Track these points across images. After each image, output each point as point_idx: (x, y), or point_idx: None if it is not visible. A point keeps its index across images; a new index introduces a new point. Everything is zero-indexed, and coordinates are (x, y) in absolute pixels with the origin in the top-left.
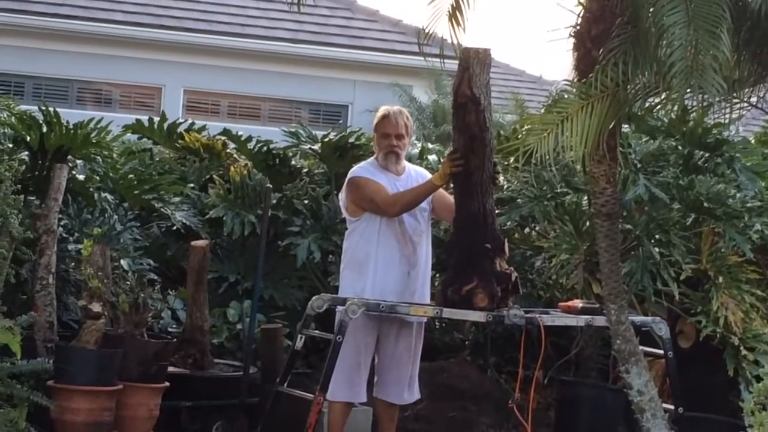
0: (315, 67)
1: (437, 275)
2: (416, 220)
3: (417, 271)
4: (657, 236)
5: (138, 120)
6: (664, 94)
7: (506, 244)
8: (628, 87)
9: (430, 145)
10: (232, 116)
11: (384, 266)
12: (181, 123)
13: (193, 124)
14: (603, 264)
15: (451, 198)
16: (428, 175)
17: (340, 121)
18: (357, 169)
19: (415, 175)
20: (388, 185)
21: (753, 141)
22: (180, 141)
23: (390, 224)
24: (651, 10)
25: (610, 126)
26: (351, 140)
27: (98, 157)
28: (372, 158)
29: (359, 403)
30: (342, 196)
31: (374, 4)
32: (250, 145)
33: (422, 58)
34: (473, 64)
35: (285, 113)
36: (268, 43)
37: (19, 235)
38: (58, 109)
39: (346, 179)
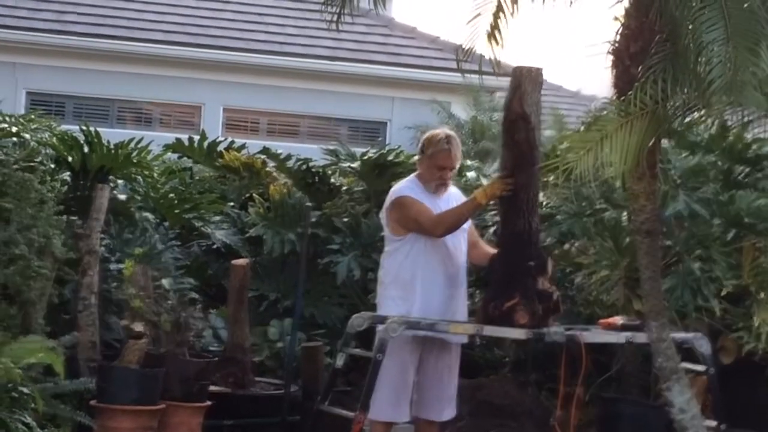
0: (353, 85)
1: (477, 291)
2: (459, 240)
3: (460, 292)
4: (698, 252)
5: (178, 139)
6: (703, 110)
7: (549, 263)
8: (668, 104)
9: (468, 162)
10: (272, 134)
11: (429, 287)
12: (220, 142)
13: (232, 142)
14: (644, 281)
15: (486, 246)
16: (462, 195)
17: (379, 138)
18: (401, 188)
19: (455, 193)
20: (431, 204)
21: None
22: (219, 160)
23: (435, 245)
24: (690, 27)
25: (650, 143)
26: (390, 158)
27: (139, 177)
28: (413, 176)
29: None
30: (384, 214)
31: (412, 21)
32: (290, 164)
33: (460, 75)
34: (525, 83)
35: (324, 131)
36: (307, 61)
37: (62, 256)
38: (98, 129)
39: (390, 198)
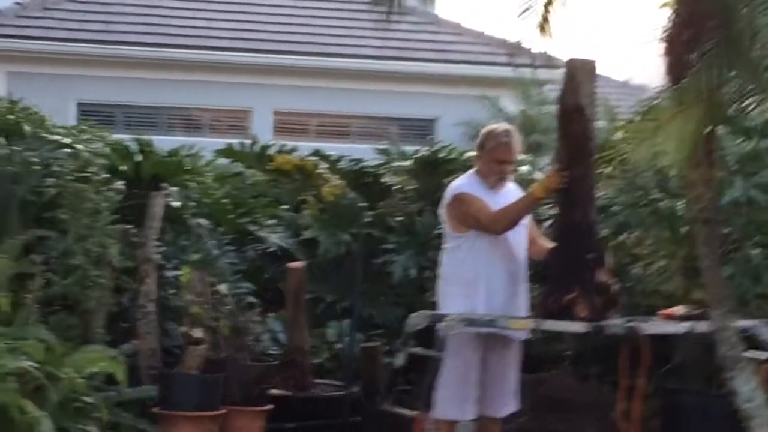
0: (402, 83)
1: (534, 286)
2: (520, 235)
3: (522, 288)
4: (756, 239)
5: (229, 144)
6: (759, 95)
7: (608, 256)
8: (723, 90)
9: (520, 156)
10: (322, 135)
11: (492, 284)
12: (271, 145)
13: (283, 146)
14: (704, 270)
15: (544, 241)
16: (520, 190)
17: (429, 136)
18: (459, 185)
19: (513, 189)
20: (490, 200)
21: None
22: (271, 163)
23: (496, 241)
24: (743, 11)
25: (707, 131)
26: (442, 155)
27: (192, 184)
28: (471, 172)
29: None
30: (443, 211)
31: (456, 17)
32: (342, 165)
33: (508, 69)
34: (579, 75)
35: (374, 130)
36: (355, 61)
37: (119, 265)
38: (149, 136)
39: (450, 195)
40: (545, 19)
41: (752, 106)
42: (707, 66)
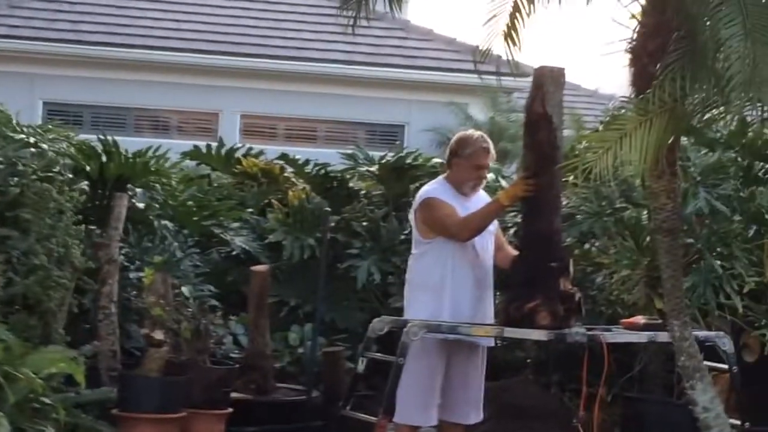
0: (370, 88)
1: (497, 293)
2: (486, 242)
3: (488, 294)
4: (719, 249)
5: (196, 146)
6: (722, 107)
7: (571, 264)
8: (687, 101)
9: None
10: (289, 139)
11: (459, 290)
12: (238, 148)
13: (250, 149)
14: (665, 280)
15: (510, 249)
16: (489, 197)
17: (397, 141)
18: (430, 190)
19: (483, 196)
20: (460, 207)
21: None
22: (238, 166)
23: (463, 247)
24: (708, 23)
25: (669, 141)
26: (408, 161)
27: (157, 185)
28: (442, 178)
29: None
30: (412, 216)
31: (428, 23)
32: (308, 169)
33: (478, 76)
34: (547, 83)
35: (341, 135)
36: (323, 66)
37: (82, 265)
38: (116, 137)
39: (418, 199)
40: (511, 28)
41: (716, 118)
42: (671, 77)
